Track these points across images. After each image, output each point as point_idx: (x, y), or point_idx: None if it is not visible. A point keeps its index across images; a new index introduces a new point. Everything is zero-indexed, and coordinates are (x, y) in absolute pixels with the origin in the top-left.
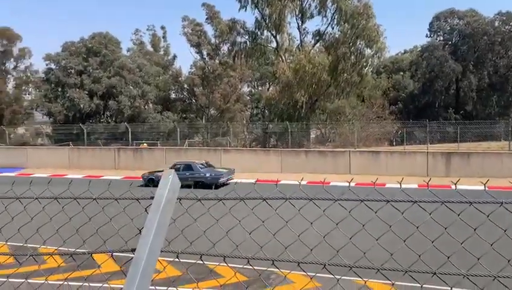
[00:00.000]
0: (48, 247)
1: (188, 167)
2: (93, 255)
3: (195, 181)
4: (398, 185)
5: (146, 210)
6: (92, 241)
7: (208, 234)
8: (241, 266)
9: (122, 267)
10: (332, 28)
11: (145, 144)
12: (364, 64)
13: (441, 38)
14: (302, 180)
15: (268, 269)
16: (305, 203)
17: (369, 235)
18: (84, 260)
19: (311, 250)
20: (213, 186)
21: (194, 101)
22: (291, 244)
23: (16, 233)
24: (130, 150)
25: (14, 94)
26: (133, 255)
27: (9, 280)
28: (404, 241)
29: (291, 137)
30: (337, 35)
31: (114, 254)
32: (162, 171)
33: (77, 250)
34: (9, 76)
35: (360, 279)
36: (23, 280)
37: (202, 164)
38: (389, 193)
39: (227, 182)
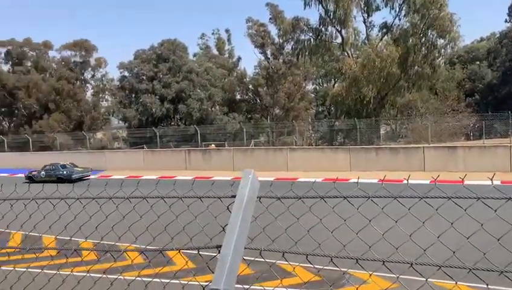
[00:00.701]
0: (125, 244)
1: (53, 166)
2: (166, 252)
3: (57, 177)
4: (478, 182)
5: (228, 208)
6: (163, 238)
7: (287, 233)
8: (321, 267)
9: (194, 264)
10: (400, 20)
11: (213, 145)
12: (437, 55)
13: None
14: (383, 178)
15: (349, 270)
16: (389, 202)
17: (458, 233)
18: (154, 256)
19: (397, 249)
20: (71, 181)
21: (258, 101)
22: (375, 243)
23: (110, 231)
24: (199, 151)
25: (93, 101)
26: (210, 254)
27: (90, 274)
28: (498, 239)
29: (359, 134)
30: (405, 27)
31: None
32: (41, 169)
33: (166, 247)
34: (87, 85)
35: (451, 281)
36: (100, 275)
37: (64, 165)
38: (476, 189)
39: (84, 178)
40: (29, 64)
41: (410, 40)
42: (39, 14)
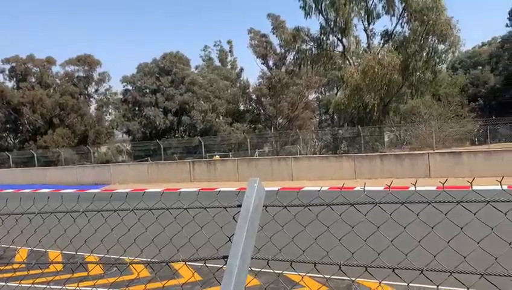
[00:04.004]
0: (131, 257)
1: None
2: (172, 264)
3: None
4: (486, 187)
5: (234, 218)
6: (169, 250)
7: (294, 241)
8: (329, 276)
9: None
10: (402, 27)
11: (217, 156)
12: (438, 60)
13: None
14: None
15: (358, 278)
16: (397, 208)
17: (469, 239)
18: (160, 269)
19: (406, 255)
20: None
21: (262, 111)
22: (384, 250)
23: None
24: (204, 162)
25: (97, 116)
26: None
27: (96, 289)
28: (510, 243)
29: (363, 141)
30: (406, 34)
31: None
32: None
33: (172, 259)
34: (91, 99)
35: (463, 288)
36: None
37: None
38: (484, 194)
39: None
40: (33, 80)
41: (411, 47)
42: (42, 29)
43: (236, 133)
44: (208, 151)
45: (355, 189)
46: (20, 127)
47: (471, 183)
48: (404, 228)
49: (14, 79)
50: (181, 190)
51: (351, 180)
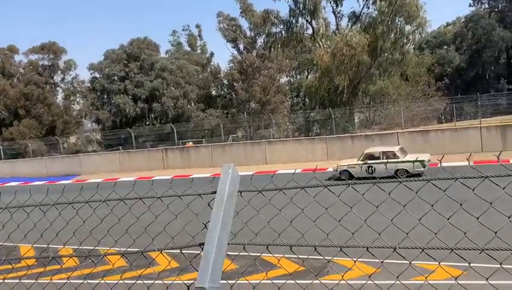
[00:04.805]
0: (105, 248)
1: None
2: (148, 254)
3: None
4: (453, 164)
5: (209, 205)
6: (144, 240)
7: (270, 225)
8: (306, 257)
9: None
10: (368, 8)
11: (190, 143)
12: (405, 41)
13: (486, 6)
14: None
15: (334, 258)
16: (369, 188)
17: (439, 215)
18: (136, 259)
19: (379, 234)
20: None
21: (234, 96)
22: (357, 230)
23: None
24: (177, 149)
25: (64, 105)
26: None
27: (70, 281)
28: (478, 218)
29: (335, 123)
30: (374, 15)
31: (164, 251)
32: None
33: (147, 248)
34: (58, 88)
35: (435, 262)
36: (81, 281)
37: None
38: (452, 170)
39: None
40: None
41: (379, 28)
42: (2, 17)
43: (210, 119)
44: (180, 138)
45: (327, 170)
46: None
47: (440, 161)
48: (377, 207)
49: None
50: (154, 178)
51: (323, 161)
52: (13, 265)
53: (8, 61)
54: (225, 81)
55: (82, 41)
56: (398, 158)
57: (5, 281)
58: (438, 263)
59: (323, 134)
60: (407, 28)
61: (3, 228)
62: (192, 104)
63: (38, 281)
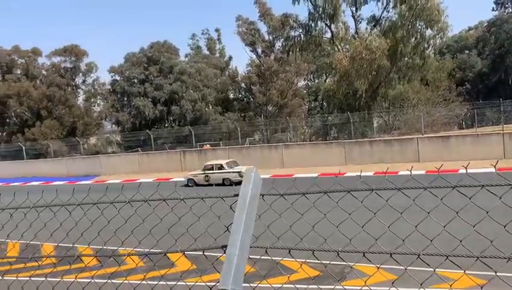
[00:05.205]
0: (129, 249)
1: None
2: (169, 255)
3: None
4: (474, 170)
5: (231, 207)
6: (167, 241)
7: (292, 229)
8: (328, 262)
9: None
10: (388, 12)
11: (207, 145)
12: (426, 46)
13: (510, 10)
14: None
15: (356, 264)
16: (393, 194)
17: (464, 223)
18: (159, 259)
19: (403, 240)
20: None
21: (251, 99)
22: (381, 236)
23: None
24: (195, 151)
25: (85, 107)
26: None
27: (95, 280)
28: (505, 226)
29: (353, 127)
30: (394, 19)
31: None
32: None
33: (170, 249)
34: (79, 90)
35: (460, 270)
36: (105, 281)
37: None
38: (476, 177)
39: None
40: (18, 72)
41: (399, 32)
42: (26, 18)
43: (227, 122)
44: (198, 140)
45: (345, 175)
46: (7, 120)
47: (466, 167)
48: (401, 213)
49: None
50: (173, 180)
51: (341, 166)
52: (39, 263)
53: (32, 64)
54: (243, 85)
55: (102, 43)
56: (225, 170)
57: (32, 278)
58: (463, 271)
59: (341, 138)
60: (428, 32)
61: (30, 227)
62: (210, 107)
63: (64, 279)
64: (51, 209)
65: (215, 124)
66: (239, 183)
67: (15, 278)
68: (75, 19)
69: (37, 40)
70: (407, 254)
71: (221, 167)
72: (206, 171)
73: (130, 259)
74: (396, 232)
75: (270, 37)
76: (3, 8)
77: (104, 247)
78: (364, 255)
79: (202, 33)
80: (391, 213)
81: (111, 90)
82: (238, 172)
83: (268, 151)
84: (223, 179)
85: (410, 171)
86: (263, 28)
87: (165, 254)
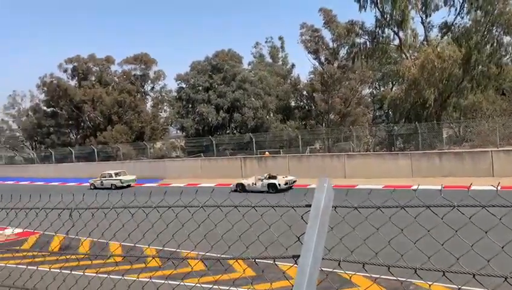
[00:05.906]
0: (186, 251)
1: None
2: (233, 261)
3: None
4: None
5: (302, 218)
6: (225, 246)
7: (366, 243)
8: (404, 279)
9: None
10: (462, 18)
11: (267, 153)
12: (503, 53)
13: None
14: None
15: (434, 283)
16: (478, 211)
17: None
18: (223, 265)
19: (458, 259)
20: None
21: (313, 107)
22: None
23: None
24: (255, 158)
25: (152, 113)
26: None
27: (152, 280)
28: None
29: (421, 138)
30: (467, 25)
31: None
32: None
33: (242, 255)
34: (147, 97)
35: None
36: (163, 281)
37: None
38: None
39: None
40: (93, 78)
41: (473, 39)
42: (101, 29)
43: (288, 130)
44: (259, 147)
45: (412, 188)
46: (82, 124)
47: None
48: (456, 231)
49: (76, 78)
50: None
51: (408, 178)
52: (104, 260)
53: (105, 71)
54: (304, 92)
55: (168, 51)
56: (112, 177)
57: (98, 275)
58: None
59: (407, 149)
60: (506, 39)
61: (97, 227)
62: (271, 114)
63: (125, 277)
64: (115, 211)
65: (276, 132)
66: (120, 187)
67: (82, 274)
68: (145, 27)
69: (109, 49)
70: (463, 273)
71: (110, 176)
72: (101, 178)
73: (187, 262)
74: (481, 252)
75: (334, 45)
76: (78, 18)
77: (164, 248)
78: (444, 274)
79: (266, 41)
80: (474, 230)
81: (177, 97)
82: (120, 179)
83: (329, 160)
84: (111, 184)
85: (497, 187)
86: (327, 35)
87: (237, 260)
